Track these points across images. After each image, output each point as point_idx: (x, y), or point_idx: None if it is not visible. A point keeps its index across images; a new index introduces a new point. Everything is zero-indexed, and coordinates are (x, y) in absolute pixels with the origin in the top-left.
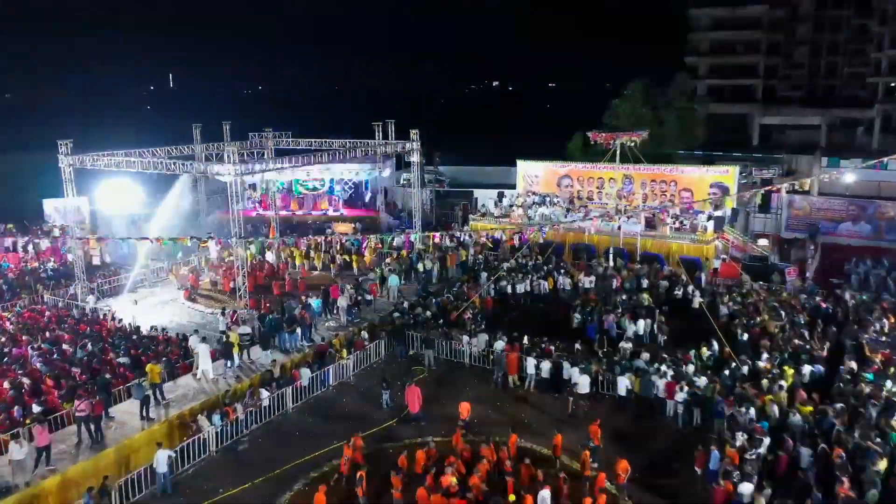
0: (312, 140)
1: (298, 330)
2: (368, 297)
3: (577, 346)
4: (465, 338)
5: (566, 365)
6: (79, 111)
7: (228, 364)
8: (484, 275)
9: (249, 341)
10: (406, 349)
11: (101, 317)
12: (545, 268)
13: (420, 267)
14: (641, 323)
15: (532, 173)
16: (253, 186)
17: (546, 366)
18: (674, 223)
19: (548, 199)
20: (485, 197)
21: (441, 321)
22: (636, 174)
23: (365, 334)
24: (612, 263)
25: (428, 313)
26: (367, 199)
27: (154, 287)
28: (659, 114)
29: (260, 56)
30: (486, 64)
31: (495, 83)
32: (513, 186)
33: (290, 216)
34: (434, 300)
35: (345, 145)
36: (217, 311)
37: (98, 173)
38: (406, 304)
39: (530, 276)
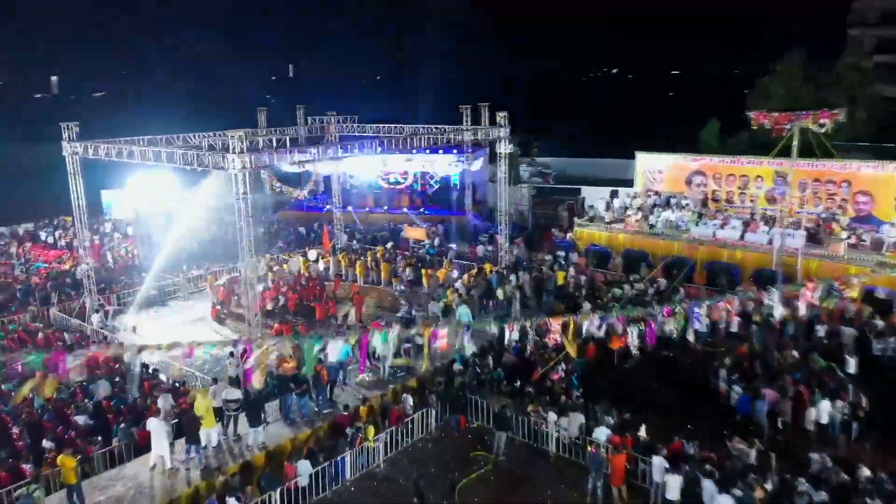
0: (385, 125)
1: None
2: (420, 341)
3: (730, 442)
4: (552, 415)
5: (707, 485)
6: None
7: (199, 448)
8: (587, 306)
9: (238, 408)
10: (467, 420)
11: (101, 341)
12: (673, 298)
13: (500, 293)
14: (825, 406)
15: (654, 168)
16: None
17: (675, 481)
18: (849, 236)
19: (674, 200)
20: (595, 196)
21: (518, 383)
22: (793, 171)
23: (409, 400)
24: (778, 298)
25: (500, 370)
26: (454, 197)
27: (189, 299)
28: (823, 95)
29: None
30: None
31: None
32: (630, 183)
33: (365, 215)
34: (513, 345)
35: (417, 132)
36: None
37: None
38: (472, 351)
39: (651, 311)
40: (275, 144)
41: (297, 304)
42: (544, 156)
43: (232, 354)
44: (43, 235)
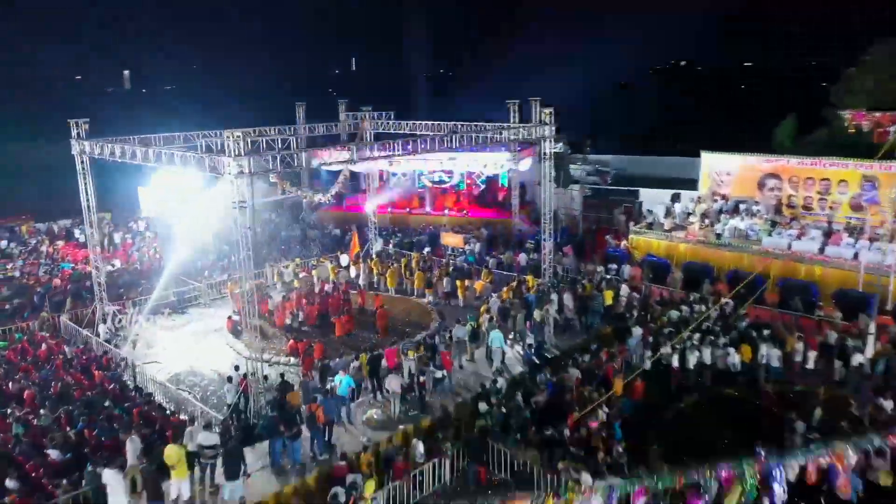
0: (422, 122)
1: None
2: (439, 374)
3: None
4: (586, 477)
5: None
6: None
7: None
8: (637, 332)
9: (214, 455)
10: (487, 471)
11: (101, 356)
12: (738, 326)
13: (536, 315)
14: None
15: (722, 169)
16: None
17: None
18: None
19: (743, 206)
20: (654, 199)
21: (550, 429)
22: (883, 175)
23: (419, 448)
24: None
25: (529, 412)
26: (500, 198)
27: (211, 306)
28: None
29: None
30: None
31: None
32: (693, 184)
33: (405, 216)
34: (546, 381)
35: (455, 129)
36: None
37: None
38: (500, 384)
39: (712, 339)
40: (279, 145)
41: (319, 317)
42: (602, 153)
43: (230, 380)
44: (77, 233)
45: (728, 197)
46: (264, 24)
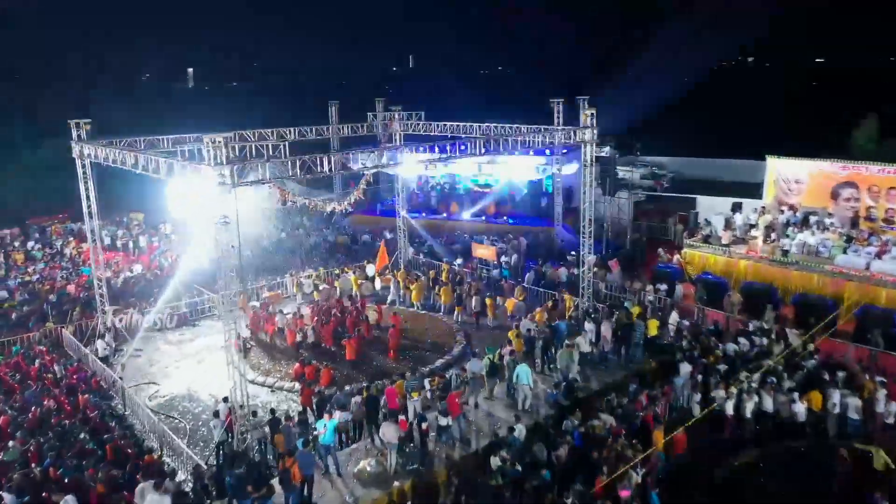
0: (452, 124)
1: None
2: (444, 421)
3: None
4: None
5: None
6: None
7: None
8: (685, 369)
9: None
10: None
11: (90, 377)
12: (805, 365)
13: (564, 351)
14: None
15: (790, 176)
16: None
17: None
18: None
19: (814, 218)
20: (712, 208)
21: (571, 498)
22: None
23: None
24: None
25: (549, 469)
26: (543, 204)
27: (218, 319)
28: None
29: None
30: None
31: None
32: (757, 192)
33: (441, 222)
34: (573, 429)
35: (488, 131)
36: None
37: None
38: (518, 431)
39: (774, 381)
40: (270, 151)
41: (335, 336)
42: (655, 154)
43: (217, 414)
44: (104, 234)
45: (797, 208)
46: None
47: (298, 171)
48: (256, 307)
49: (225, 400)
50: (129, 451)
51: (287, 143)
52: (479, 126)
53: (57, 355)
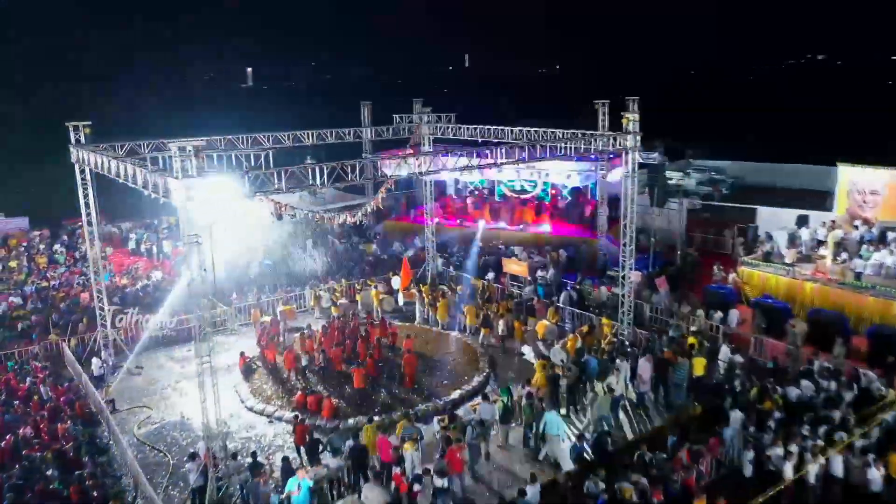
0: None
1: None
2: (440, 482)
3: None
4: None
5: None
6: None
7: None
8: (737, 417)
9: None
10: None
11: (74, 402)
12: (884, 418)
13: (599, 388)
14: None
15: (865, 187)
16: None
17: None
18: None
19: (893, 235)
20: (774, 221)
21: None
22: None
23: None
24: None
25: None
26: (588, 213)
27: (236, 333)
28: None
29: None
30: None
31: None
32: (826, 202)
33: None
34: (598, 494)
35: (521, 136)
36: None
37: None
38: (530, 496)
39: (844, 438)
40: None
41: (345, 360)
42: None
43: (193, 457)
44: (131, 238)
45: (873, 222)
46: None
47: (325, 179)
48: (266, 323)
49: (206, 438)
50: (96, 493)
51: (270, 152)
52: (513, 130)
53: (50, 373)
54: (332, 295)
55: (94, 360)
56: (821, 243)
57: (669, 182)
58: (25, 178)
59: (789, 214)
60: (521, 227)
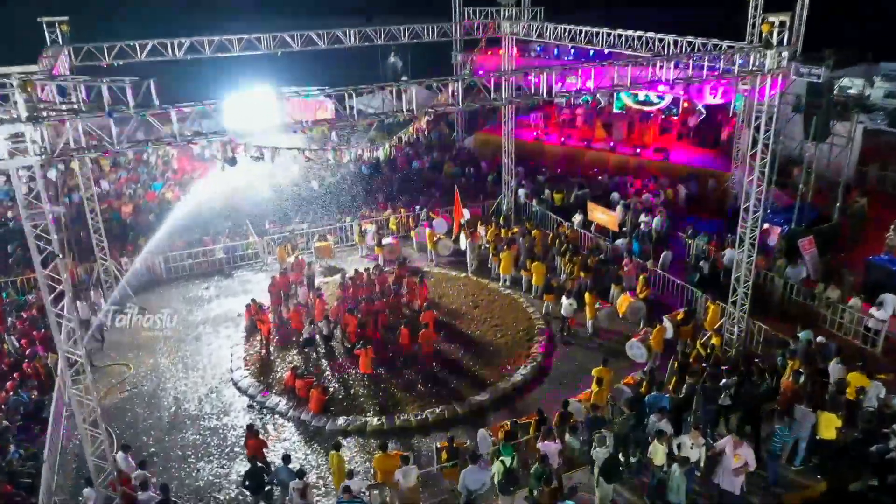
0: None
1: None
2: None
3: None
4: None
5: None
6: None
7: None
8: None
9: None
10: None
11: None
12: None
13: (660, 449)
14: None
15: None
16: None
17: None
18: None
19: None
20: None
21: None
22: None
23: None
24: None
25: None
26: (725, 136)
27: (264, 270)
28: None
29: None
30: None
31: None
32: None
33: (583, 150)
34: None
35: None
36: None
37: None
38: None
39: None
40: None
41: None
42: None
43: (89, 482)
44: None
45: None
46: None
47: None
48: (288, 266)
49: (125, 448)
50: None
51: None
52: (618, 35)
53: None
54: (383, 229)
55: (80, 303)
56: None
57: (847, 93)
58: None
59: None
60: (637, 150)
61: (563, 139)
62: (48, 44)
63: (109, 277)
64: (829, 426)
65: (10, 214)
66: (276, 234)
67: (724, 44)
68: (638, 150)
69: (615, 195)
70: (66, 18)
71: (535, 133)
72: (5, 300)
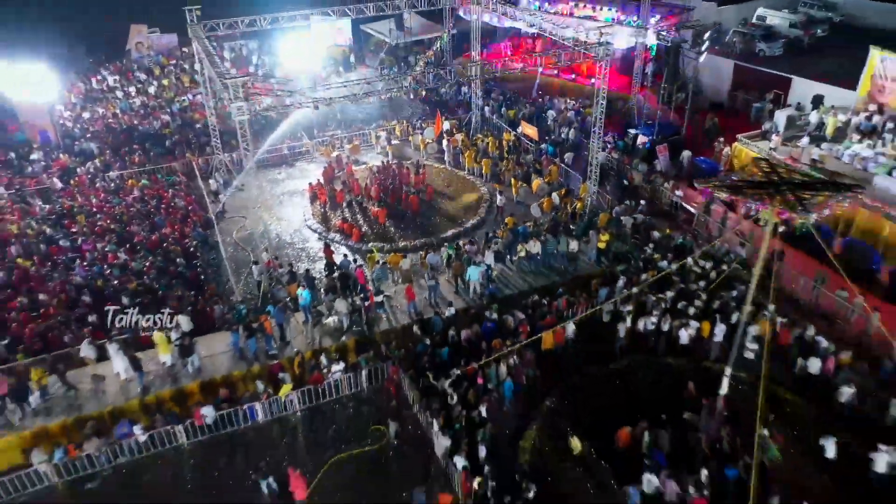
0: None
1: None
2: (379, 298)
3: None
4: (437, 430)
5: None
6: None
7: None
8: (621, 284)
9: (180, 346)
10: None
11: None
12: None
13: (522, 249)
14: None
15: (889, 73)
16: None
17: None
18: None
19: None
20: (806, 94)
21: (442, 379)
22: None
23: (339, 367)
24: None
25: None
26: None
27: (315, 162)
28: None
29: None
30: None
31: None
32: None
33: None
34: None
35: None
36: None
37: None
38: (445, 317)
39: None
40: None
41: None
42: None
43: (256, 263)
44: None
45: (885, 109)
46: None
47: None
48: (333, 159)
49: (266, 250)
50: (203, 277)
51: None
52: None
53: (184, 185)
54: (392, 135)
55: (211, 181)
56: (821, 126)
57: (759, 23)
58: None
59: (820, 89)
60: (574, 76)
61: (521, 67)
62: (189, 23)
63: (221, 165)
64: (602, 242)
65: (135, 122)
66: (321, 138)
67: None
68: (574, 76)
69: (551, 113)
70: (199, 6)
71: (503, 60)
72: (160, 179)
